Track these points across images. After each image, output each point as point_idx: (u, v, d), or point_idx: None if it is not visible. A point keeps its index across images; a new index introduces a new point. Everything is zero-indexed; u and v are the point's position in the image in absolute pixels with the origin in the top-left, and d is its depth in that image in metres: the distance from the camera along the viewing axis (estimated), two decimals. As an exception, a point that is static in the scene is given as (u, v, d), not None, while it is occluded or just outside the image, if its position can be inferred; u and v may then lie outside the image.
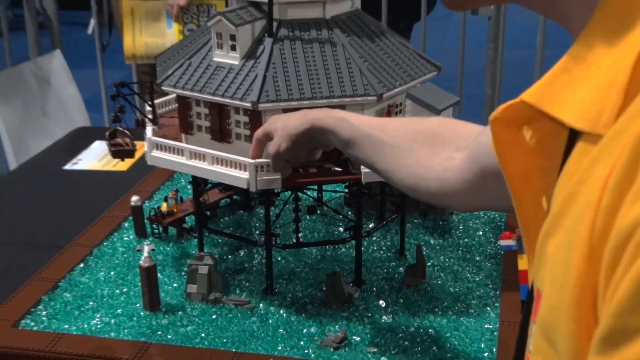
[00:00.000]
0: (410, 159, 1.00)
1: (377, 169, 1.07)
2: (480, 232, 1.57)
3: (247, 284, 1.39)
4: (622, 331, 0.39)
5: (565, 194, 0.48)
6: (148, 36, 2.74)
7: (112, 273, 1.43)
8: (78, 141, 2.18)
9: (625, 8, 0.46)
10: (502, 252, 1.47)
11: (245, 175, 1.24)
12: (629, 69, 0.44)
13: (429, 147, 0.99)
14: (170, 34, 2.71)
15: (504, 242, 0.89)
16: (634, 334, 0.38)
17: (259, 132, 1.20)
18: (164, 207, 1.56)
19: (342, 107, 1.26)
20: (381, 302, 1.33)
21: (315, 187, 1.63)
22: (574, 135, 0.51)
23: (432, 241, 1.54)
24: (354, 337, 1.24)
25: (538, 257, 0.52)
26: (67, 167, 2.01)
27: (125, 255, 1.50)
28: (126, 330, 1.26)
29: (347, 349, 1.20)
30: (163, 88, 1.30)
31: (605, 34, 0.47)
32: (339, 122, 1.08)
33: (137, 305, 1.32)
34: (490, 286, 1.38)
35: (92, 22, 3.36)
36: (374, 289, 1.38)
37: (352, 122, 1.08)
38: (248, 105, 1.21)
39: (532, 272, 0.59)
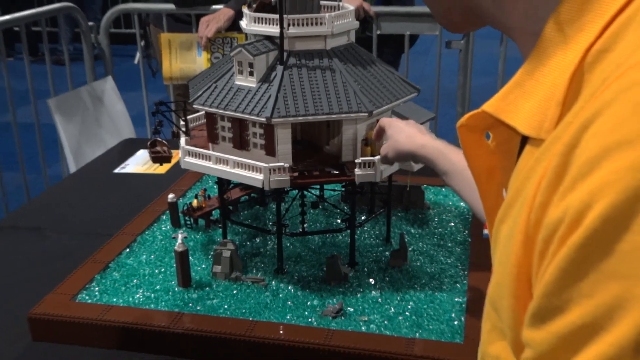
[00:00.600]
0: None
1: (466, 200, 1.10)
2: (452, 224, 1.58)
3: (262, 265, 1.41)
4: (548, 309, 0.40)
5: (514, 188, 0.48)
6: (182, 62, 2.76)
7: (152, 256, 1.45)
8: (125, 150, 2.19)
9: (560, 37, 0.46)
10: (470, 240, 1.49)
11: (260, 176, 1.25)
12: (565, 85, 0.44)
13: None
14: (200, 61, 2.73)
15: (486, 231, 0.87)
16: (557, 311, 0.39)
17: (379, 125, 1.25)
18: (195, 202, 1.58)
19: (339, 122, 1.29)
20: (371, 280, 1.35)
21: (318, 186, 1.63)
22: (525, 139, 0.51)
23: (412, 230, 1.56)
24: (349, 308, 1.25)
25: (493, 240, 0.53)
26: (117, 170, 2.03)
27: (163, 242, 1.51)
28: (163, 303, 1.28)
29: (343, 318, 1.22)
30: (194, 106, 1.32)
31: (548, 55, 0.47)
32: (439, 155, 1.11)
33: (172, 282, 1.34)
34: (460, 267, 1.39)
35: (138, 55, 3.37)
36: (365, 269, 1.39)
37: (450, 157, 1.10)
38: (263, 120, 1.22)
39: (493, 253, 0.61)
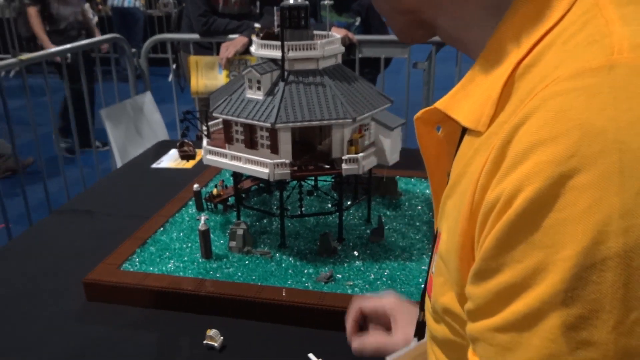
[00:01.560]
0: None
1: None
2: (419, 207, 1.57)
3: (269, 241, 1.39)
4: (486, 270, 0.40)
5: (456, 172, 0.48)
6: (206, 79, 2.74)
7: (181, 234, 1.43)
8: (160, 149, 2.17)
9: (499, 48, 0.46)
10: (433, 219, 1.47)
11: (266, 170, 1.24)
12: (499, 90, 0.44)
13: None
14: (220, 78, 2.71)
15: None
16: (493, 272, 0.39)
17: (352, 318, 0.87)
18: (215, 191, 1.56)
19: (329, 126, 1.27)
20: (355, 252, 1.33)
21: (313, 178, 1.62)
22: (464, 131, 0.51)
23: (388, 213, 1.54)
24: (338, 275, 1.24)
25: (440, 212, 0.53)
26: (154, 166, 2.00)
27: (189, 222, 1.49)
28: (189, 271, 1.26)
29: (333, 283, 1.21)
30: (214, 114, 1.30)
31: (488, 64, 0.47)
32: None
33: (197, 255, 1.32)
34: (426, 242, 1.38)
35: (171, 75, 3.36)
36: (350, 244, 1.37)
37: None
38: (268, 125, 1.20)
39: (436, 221, 0.59)
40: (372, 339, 0.83)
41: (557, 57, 0.41)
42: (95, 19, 6.95)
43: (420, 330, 0.67)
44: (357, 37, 2.77)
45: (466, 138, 0.49)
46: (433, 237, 0.59)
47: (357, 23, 2.89)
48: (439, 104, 0.51)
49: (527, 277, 0.37)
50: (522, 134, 0.38)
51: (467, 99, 0.48)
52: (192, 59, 2.78)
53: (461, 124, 0.48)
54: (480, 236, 0.41)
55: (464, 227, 0.44)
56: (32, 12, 3.99)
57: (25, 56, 2.47)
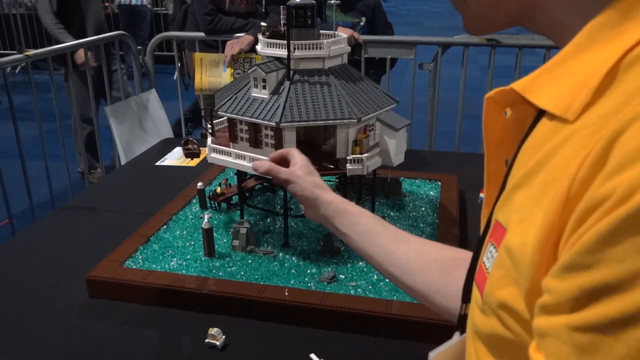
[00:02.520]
0: None
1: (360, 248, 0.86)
2: (423, 209, 1.56)
3: (272, 240, 1.39)
4: (577, 264, 0.37)
5: (535, 160, 0.45)
6: (210, 77, 2.73)
7: (184, 232, 1.43)
8: (165, 147, 2.16)
9: (598, 36, 0.43)
10: (437, 222, 1.46)
11: (271, 169, 1.23)
12: (600, 77, 0.41)
13: None
14: (225, 76, 2.71)
15: (482, 195, 0.78)
16: (585, 267, 0.36)
17: (278, 155, 1.01)
18: (219, 189, 1.55)
19: (334, 126, 1.26)
20: (358, 253, 1.33)
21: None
22: (537, 119, 0.47)
23: (392, 214, 1.53)
24: (341, 275, 1.23)
25: (503, 200, 0.49)
26: (158, 163, 2.00)
27: (193, 221, 1.49)
28: (192, 269, 1.26)
29: (335, 283, 1.20)
30: (219, 113, 1.30)
31: (582, 51, 0.44)
32: (337, 215, 0.88)
33: (200, 253, 1.32)
34: (429, 243, 1.36)
35: (176, 73, 3.37)
36: (354, 244, 1.37)
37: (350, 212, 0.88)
38: (273, 124, 1.20)
39: (487, 209, 0.56)
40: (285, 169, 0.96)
41: None
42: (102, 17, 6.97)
43: (461, 324, 0.62)
44: (362, 38, 2.77)
45: (545, 124, 0.46)
46: (485, 226, 0.55)
47: (362, 23, 2.88)
48: (516, 85, 0.47)
49: (625, 280, 0.34)
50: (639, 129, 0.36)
51: (553, 83, 0.45)
52: (197, 55, 2.78)
53: (544, 108, 0.45)
54: (574, 232, 0.38)
55: (553, 221, 0.40)
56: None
57: (31, 52, 2.48)
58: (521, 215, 0.45)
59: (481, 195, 0.81)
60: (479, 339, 0.51)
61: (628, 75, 0.40)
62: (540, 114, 0.48)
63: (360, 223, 0.86)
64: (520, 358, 0.44)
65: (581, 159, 0.39)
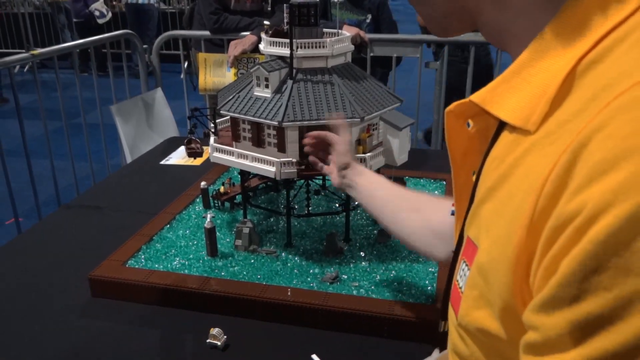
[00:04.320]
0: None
1: (370, 210, 1.02)
2: (428, 208, 1.55)
3: (275, 240, 1.39)
4: (563, 297, 0.35)
5: (498, 173, 0.44)
6: (214, 77, 2.73)
7: (187, 231, 1.43)
8: (169, 146, 2.17)
9: (553, 44, 0.43)
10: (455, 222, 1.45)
11: (273, 169, 1.23)
12: (557, 86, 0.40)
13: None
14: (228, 75, 2.70)
15: (452, 208, 0.81)
16: (573, 299, 0.34)
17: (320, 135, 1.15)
18: (222, 189, 1.56)
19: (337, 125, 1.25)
20: (362, 253, 1.32)
21: (320, 177, 1.59)
22: (499, 129, 0.47)
23: (396, 213, 1.52)
24: (343, 275, 1.23)
25: (472, 215, 0.48)
26: (162, 162, 2.00)
27: (195, 220, 1.49)
28: (195, 269, 1.25)
29: (338, 283, 1.20)
30: (221, 112, 1.29)
31: (538, 59, 0.43)
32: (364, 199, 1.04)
33: (202, 252, 1.32)
34: (433, 243, 1.36)
35: (183, 72, 3.37)
36: (357, 244, 1.36)
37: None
38: (275, 123, 1.20)
39: (459, 223, 0.55)
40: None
41: (631, 57, 0.37)
42: (109, 15, 7.00)
43: (441, 341, 0.62)
44: (368, 36, 2.75)
45: (506, 136, 0.45)
46: (458, 242, 0.54)
47: (368, 20, 2.87)
48: (475, 97, 0.47)
49: (618, 307, 0.32)
50: (606, 136, 0.34)
51: (511, 94, 0.44)
52: (201, 56, 2.78)
53: (505, 120, 0.44)
54: (547, 253, 0.36)
55: (521, 239, 0.39)
56: None
57: (37, 51, 2.48)
58: (489, 231, 0.44)
59: (452, 208, 0.80)
60: (459, 358, 0.50)
61: (583, 81, 0.39)
62: (502, 124, 0.47)
63: (377, 197, 1.01)
64: None
65: (546, 171, 0.38)
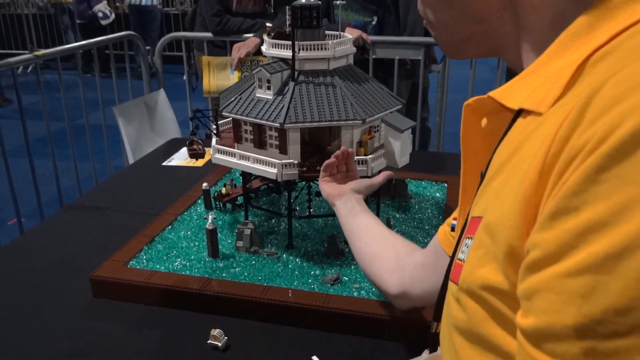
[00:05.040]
0: None
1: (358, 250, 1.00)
2: (429, 210, 1.55)
3: (276, 241, 1.39)
4: (564, 209, 0.36)
5: (506, 154, 0.45)
6: (218, 79, 2.74)
7: (189, 232, 1.43)
8: (172, 147, 2.17)
9: (571, 40, 0.44)
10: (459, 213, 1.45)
11: (275, 170, 1.23)
12: (571, 72, 0.42)
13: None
14: (232, 78, 2.71)
15: (454, 222, 0.81)
16: (572, 210, 0.35)
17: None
18: (224, 190, 1.56)
19: (338, 127, 1.26)
20: (362, 254, 1.32)
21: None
22: (511, 124, 0.48)
23: (397, 215, 1.53)
24: (344, 277, 1.23)
25: (479, 195, 0.49)
26: (164, 163, 2.01)
27: (197, 221, 1.49)
28: (196, 270, 1.25)
29: (339, 285, 1.20)
30: (223, 113, 1.30)
31: (555, 56, 0.45)
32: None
33: (204, 253, 1.32)
34: (434, 246, 1.35)
35: (185, 74, 3.38)
36: (358, 246, 1.36)
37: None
38: (277, 125, 1.20)
39: (461, 215, 0.57)
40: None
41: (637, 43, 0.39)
42: (113, 16, 7.02)
43: (433, 342, 0.62)
44: (370, 38, 2.76)
45: (519, 122, 0.46)
46: (462, 226, 0.55)
47: (373, 22, 2.87)
48: (493, 93, 0.48)
49: (613, 214, 0.33)
50: (617, 81, 0.36)
51: (525, 87, 0.46)
52: (205, 59, 2.78)
53: (519, 107, 0.46)
54: (556, 185, 0.37)
55: (533, 182, 0.39)
56: None
57: (40, 52, 2.49)
58: (497, 197, 0.45)
59: (453, 222, 0.80)
60: (458, 332, 0.49)
61: (596, 68, 0.40)
62: (515, 119, 0.48)
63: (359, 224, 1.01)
64: (505, 341, 0.42)
65: (557, 126, 0.38)
